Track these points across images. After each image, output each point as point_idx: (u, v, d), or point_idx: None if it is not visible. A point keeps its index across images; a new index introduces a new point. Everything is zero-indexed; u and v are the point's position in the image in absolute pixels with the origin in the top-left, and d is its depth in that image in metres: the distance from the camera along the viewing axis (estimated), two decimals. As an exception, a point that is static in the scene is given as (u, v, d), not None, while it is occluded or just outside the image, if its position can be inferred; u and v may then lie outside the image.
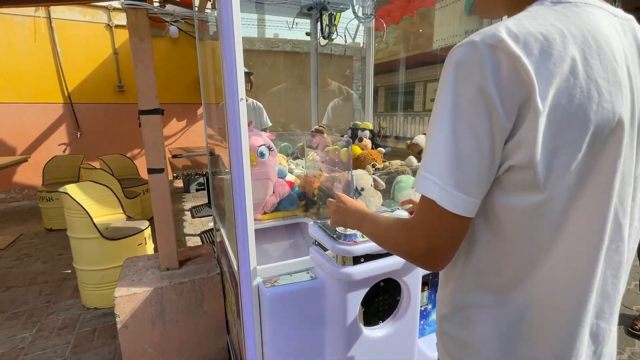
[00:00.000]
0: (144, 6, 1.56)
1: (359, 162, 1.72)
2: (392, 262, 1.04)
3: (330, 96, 2.93)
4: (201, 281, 1.75)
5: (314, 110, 2.76)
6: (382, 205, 1.33)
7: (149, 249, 2.64)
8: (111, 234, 2.43)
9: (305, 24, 2.66)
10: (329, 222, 0.94)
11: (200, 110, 6.25)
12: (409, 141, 1.39)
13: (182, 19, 4.25)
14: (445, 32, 8.78)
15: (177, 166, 3.58)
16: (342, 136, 2.04)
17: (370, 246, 0.99)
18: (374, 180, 1.37)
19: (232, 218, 1.04)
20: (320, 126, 2.46)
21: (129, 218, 2.86)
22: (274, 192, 1.41)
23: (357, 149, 1.76)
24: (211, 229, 3.81)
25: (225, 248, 1.50)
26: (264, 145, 1.29)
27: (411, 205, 1.04)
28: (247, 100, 2.89)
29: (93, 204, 2.58)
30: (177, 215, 4.40)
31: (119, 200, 2.83)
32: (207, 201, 4.72)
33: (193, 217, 4.37)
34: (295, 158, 2.25)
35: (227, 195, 1.27)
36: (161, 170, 1.72)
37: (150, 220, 2.22)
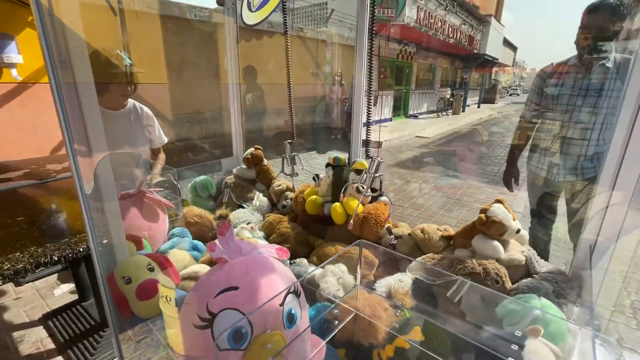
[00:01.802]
0: None
1: (366, 227, 1.24)
2: None
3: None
4: None
5: (233, 104, 1.99)
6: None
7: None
8: None
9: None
10: None
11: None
12: (482, 215, 1.00)
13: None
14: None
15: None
16: (315, 178, 1.50)
17: None
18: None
19: None
20: (257, 148, 1.80)
21: None
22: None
23: (352, 204, 1.27)
24: (72, 304, 2.17)
25: None
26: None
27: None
28: (126, 105, 1.87)
29: None
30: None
31: None
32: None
33: (18, 284, 2.62)
34: (227, 206, 1.56)
35: None
36: None
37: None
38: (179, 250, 0.91)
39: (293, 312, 0.60)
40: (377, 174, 1.28)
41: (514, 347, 0.58)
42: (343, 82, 9.03)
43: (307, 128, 9.95)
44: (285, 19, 1.53)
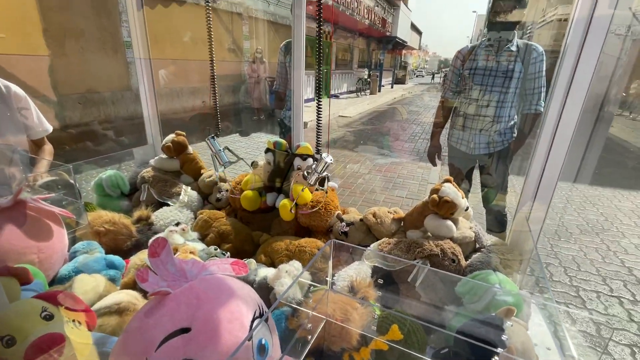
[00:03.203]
0: None
1: (315, 216, 1.15)
2: None
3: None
4: None
5: (143, 82, 1.66)
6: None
7: None
8: None
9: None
10: None
11: None
12: (435, 196, 0.97)
13: None
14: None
15: None
16: (255, 165, 1.34)
17: None
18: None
19: None
20: (178, 134, 1.54)
21: None
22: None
23: (304, 194, 1.17)
24: None
25: None
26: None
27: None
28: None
29: None
30: None
31: None
32: None
33: None
34: (147, 205, 1.33)
35: None
36: None
37: None
38: (87, 276, 0.68)
39: (264, 342, 0.48)
40: (323, 174, 1.19)
41: (500, 335, 0.57)
42: (264, 59, 8.61)
43: (227, 109, 9.31)
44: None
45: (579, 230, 3.47)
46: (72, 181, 1.13)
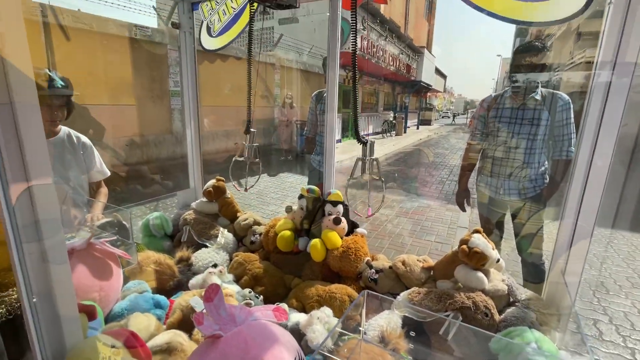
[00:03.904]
0: None
1: (345, 262, 1.19)
2: None
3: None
4: None
5: (190, 128, 1.81)
6: None
7: None
8: None
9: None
10: None
11: None
12: (464, 246, 1.00)
13: None
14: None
15: None
16: (289, 210, 1.42)
17: None
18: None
19: None
20: (219, 179, 1.67)
21: None
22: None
23: (334, 238, 1.22)
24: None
25: None
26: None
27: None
28: (57, 132, 1.62)
29: None
30: None
31: None
32: None
33: None
34: (188, 246, 1.42)
35: None
36: None
37: None
38: (141, 315, 0.75)
39: (303, 388, 0.51)
40: (372, 157, 1.20)
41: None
42: (294, 104, 9.12)
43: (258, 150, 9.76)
44: (251, 45, 1.47)
45: (629, 283, 3.17)
46: (125, 223, 1.26)
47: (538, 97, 2.08)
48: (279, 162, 9.06)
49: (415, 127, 23.73)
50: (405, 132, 18.42)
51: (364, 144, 1.16)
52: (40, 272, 0.56)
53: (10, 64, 0.54)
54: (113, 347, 0.53)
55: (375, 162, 1.19)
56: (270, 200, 5.33)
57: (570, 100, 2.02)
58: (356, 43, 1.07)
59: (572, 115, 2.02)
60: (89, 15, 5.46)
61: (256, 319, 0.57)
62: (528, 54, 2.13)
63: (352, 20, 1.07)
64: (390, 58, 15.31)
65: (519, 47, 2.21)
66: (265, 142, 10.07)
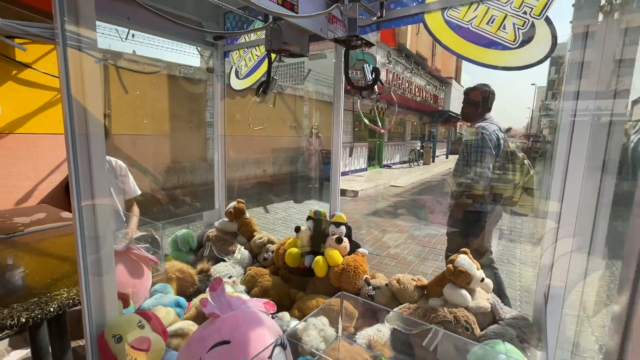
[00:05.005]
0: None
1: (344, 278, 1.30)
2: None
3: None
4: None
5: (217, 156, 2.06)
6: None
7: None
8: None
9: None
10: None
11: None
12: (450, 265, 1.10)
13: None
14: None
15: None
16: (298, 230, 1.57)
17: None
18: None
19: None
20: (239, 201, 1.86)
21: None
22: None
23: (335, 255, 1.34)
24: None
25: None
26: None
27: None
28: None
29: None
30: None
31: None
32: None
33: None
34: (209, 260, 1.58)
35: None
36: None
37: None
38: (163, 307, 0.92)
39: (280, 364, 0.64)
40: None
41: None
42: (320, 134, 9.49)
43: (285, 177, 10.13)
44: (270, 84, 1.70)
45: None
46: (157, 237, 1.47)
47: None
48: (305, 190, 9.31)
49: (445, 156, 23.38)
50: (433, 161, 18.21)
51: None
52: (94, 268, 0.75)
53: (87, 106, 0.76)
54: (139, 322, 0.69)
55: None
56: (294, 225, 5.51)
57: None
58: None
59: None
60: (141, 58, 6.24)
61: (248, 307, 0.71)
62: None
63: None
64: (417, 89, 15.57)
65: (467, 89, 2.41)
66: (293, 170, 10.44)
